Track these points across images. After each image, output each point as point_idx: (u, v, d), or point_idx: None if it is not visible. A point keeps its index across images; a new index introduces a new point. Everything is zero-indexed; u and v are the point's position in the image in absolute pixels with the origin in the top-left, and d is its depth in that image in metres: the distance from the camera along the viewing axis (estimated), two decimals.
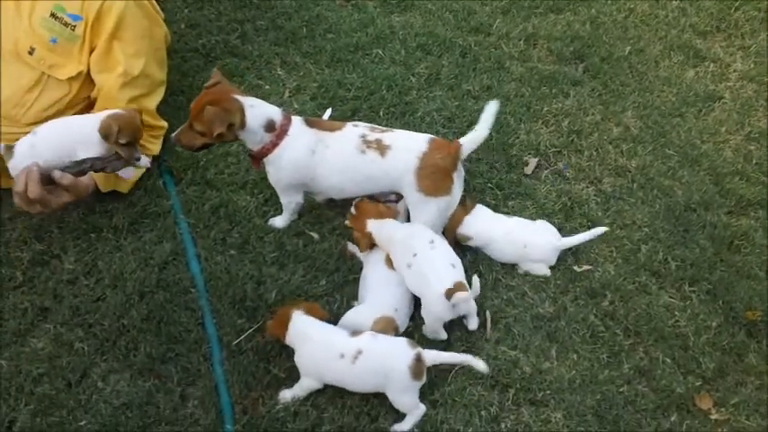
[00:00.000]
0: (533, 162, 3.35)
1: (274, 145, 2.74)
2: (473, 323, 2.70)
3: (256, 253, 2.91)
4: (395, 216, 2.83)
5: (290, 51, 3.86)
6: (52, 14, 2.95)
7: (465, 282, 2.62)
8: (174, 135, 2.75)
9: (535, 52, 3.98)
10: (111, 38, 2.99)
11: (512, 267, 2.94)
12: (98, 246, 2.90)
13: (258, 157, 2.79)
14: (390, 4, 4.24)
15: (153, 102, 3.14)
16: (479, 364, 2.46)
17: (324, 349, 2.47)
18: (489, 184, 3.22)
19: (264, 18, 4.04)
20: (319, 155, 2.77)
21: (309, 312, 2.54)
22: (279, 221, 3.00)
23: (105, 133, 2.67)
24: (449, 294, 2.53)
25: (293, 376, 2.54)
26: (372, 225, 2.78)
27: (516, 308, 2.81)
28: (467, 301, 2.60)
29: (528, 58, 3.94)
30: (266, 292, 2.78)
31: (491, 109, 2.76)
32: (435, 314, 2.61)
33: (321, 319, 2.55)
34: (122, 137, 2.67)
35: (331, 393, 2.51)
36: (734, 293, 2.90)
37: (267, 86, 3.66)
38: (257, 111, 2.71)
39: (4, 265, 2.83)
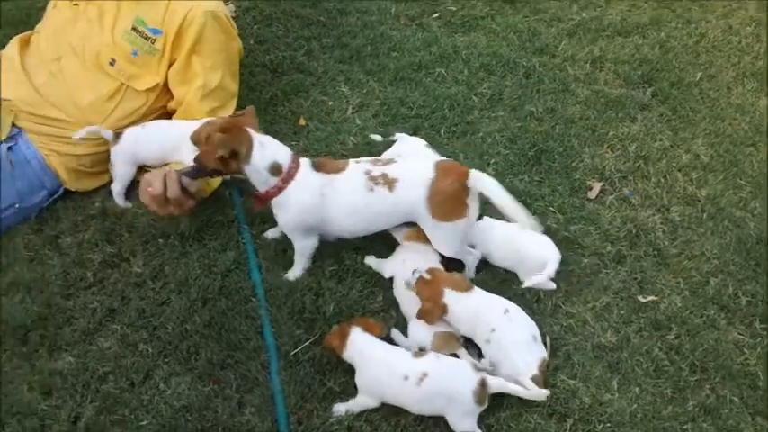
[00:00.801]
0: (597, 186, 3.30)
1: (280, 189, 2.69)
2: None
3: (316, 266, 2.91)
4: (470, 289, 2.70)
5: (355, 69, 3.89)
6: (134, 28, 3.07)
7: (546, 353, 2.58)
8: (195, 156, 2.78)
9: (601, 75, 3.95)
10: (190, 52, 3.09)
11: (573, 294, 2.88)
12: (165, 251, 2.94)
13: (264, 200, 2.74)
14: (454, 24, 4.26)
15: (227, 114, 3.17)
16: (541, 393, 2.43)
17: (388, 370, 2.44)
18: (551, 208, 3.18)
19: (330, 36, 4.09)
20: (328, 198, 2.71)
21: (368, 330, 2.53)
22: (292, 274, 2.92)
23: (195, 139, 2.76)
24: (536, 381, 2.49)
25: (348, 391, 2.53)
26: (450, 296, 2.64)
27: (576, 336, 2.75)
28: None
29: (594, 81, 3.90)
30: (324, 304, 2.78)
31: (526, 222, 2.69)
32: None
33: (379, 337, 2.54)
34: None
35: (386, 411, 2.49)
36: None
37: (331, 103, 3.68)
38: (265, 151, 2.66)
39: (76, 266, 2.89)
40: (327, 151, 3.07)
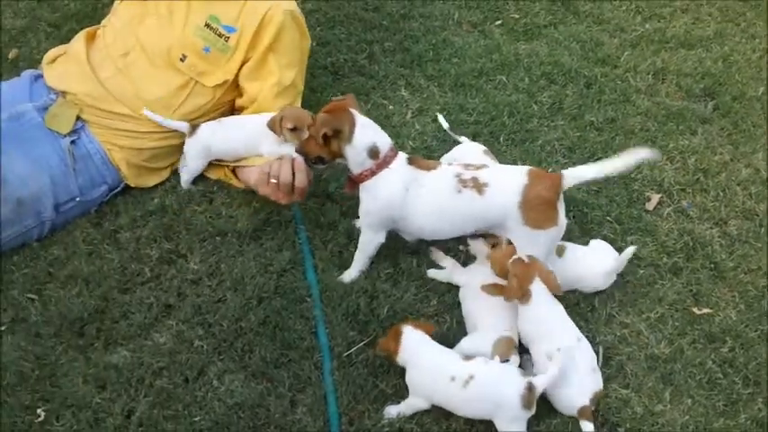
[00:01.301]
0: (656, 198, 3.28)
1: (373, 173, 2.72)
2: None
3: (371, 268, 2.94)
4: (560, 294, 2.68)
5: (415, 73, 3.92)
6: (207, 24, 3.12)
7: (602, 390, 2.57)
8: (299, 144, 2.85)
9: (663, 87, 3.92)
10: (267, 50, 3.15)
11: (628, 304, 2.88)
12: (222, 249, 2.99)
13: (356, 182, 2.78)
14: (517, 31, 4.26)
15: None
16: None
17: (435, 370, 2.47)
18: (608, 218, 3.17)
19: (392, 40, 4.13)
20: (412, 193, 2.72)
21: (420, 328, 2.55)
22: (348, 275, 2.94)
23: (271, 124, 2.90)
24: (581, 414, 2.48)
25: (400, 393, 2.56)
26: (537, 288, 2.61)
27: (630, 346, 2.75)
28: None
29: (655, 93, 3.88)
30: (378, 307, 2.81)
31: (634, 156, 2.68)
32: (560, 408, 2.55)
33: (430, 334, 2.55)
34: (287, 122, 2.87)
35: (437, 414, 2.51)
36: None
37: (391, 107, 3.71)
38: (367, 131, 2.72)
39: (134, 261, 2.94)
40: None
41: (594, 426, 2.48)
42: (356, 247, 2.97)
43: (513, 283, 2.60)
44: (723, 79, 3.96)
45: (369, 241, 2.87)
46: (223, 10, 3.14)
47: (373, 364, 2.64)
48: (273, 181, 2.86)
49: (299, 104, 3.28)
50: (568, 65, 4.00)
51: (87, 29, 3.33)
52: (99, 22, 3.36)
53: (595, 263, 2.88)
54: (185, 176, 3.19)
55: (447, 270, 2.94)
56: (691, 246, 3.08)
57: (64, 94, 3.11)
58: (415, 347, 2.51)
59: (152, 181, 3.22)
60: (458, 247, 3.03)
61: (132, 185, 3.19)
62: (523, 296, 2.60)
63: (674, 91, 3.90)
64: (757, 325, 2.83)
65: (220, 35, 3.13)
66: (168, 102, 3.12)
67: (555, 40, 4.21)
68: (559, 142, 3.53)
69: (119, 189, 3.17)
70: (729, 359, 2.72)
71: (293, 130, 2.88)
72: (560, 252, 2.86)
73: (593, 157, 3.43)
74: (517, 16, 4.38)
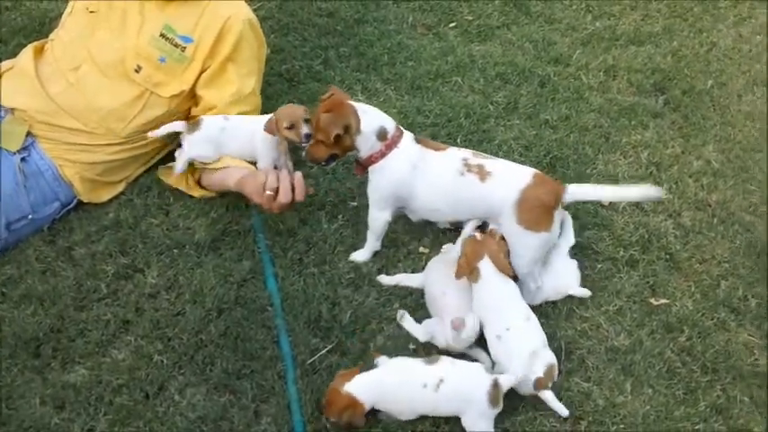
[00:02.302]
0: None
1: (382, 154, 2.78)
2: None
3: (332, 274, 2.94)
4: (509, 275, 2.72)
5: (372, 78, 3.92)
6: (162, 35, 3.10)
7: (555, 362, 2.58)
8: (304, 152, 2.88)
9: (615, 84, 3.97)
10: (227, 59, 3.15)
11: (587, 299, 2.90)
12: (180, 261, 2.97)
13: (365, 165, 2.83)
14: (471, 33, 4.29)
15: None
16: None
17: (406, 389, 2.47)
18: (570, 219, 3.20)
19: (347, 45, 4.13)
20: (420, 171, 2.78)
21: (351, 377, 2.48)
22: (361, 255, 3.00)
23: (268, 126, 2.92)
24: (538, 385, 2.51)
25: None
26: (485, 266, 2.68)
27: (590, 339, 2.78)
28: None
29: (607, 90, 3.93)
30: (341, 312, 2.81)
31: (642, 191, 2.79)
32: (517, 387, 2.56)
33: (357, 374, 2.49)
34: (282, 122, 2.88)
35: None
36: None
37: None
38: (371, 116, 2.77)
39: (89, 277, 2.90)
40: (345, 161, 3.11)
41: (557, 416, 2.53)
42: (316, 254, 3.00)
43: (462, 261, 2.66)
44: (673, 74, 4.02)
45: (376, 219, 2.92)
46: (179, 20, 3.13)
47: (337, 371, 2.62)
48: (269, 193, 2.83)
49: (259, 110, 3.30)
50: (522, 65, 4.03)
51: (35, 43, 3.29)
52: (47, 36, 3.32)
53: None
54: (180, 164, 3.09)
55: (399, 276, 2.96)
56: (646, 238, 3.12)
57: (12, 110, 3.06)
58: (371, 386, 2.46)
59: (106, 195, 3.18)
60: (418, 249, 3.05)
61: (86, 201, 3.14)
62: (471, 273, 2.65)
63: (626, 87, 3.95)
64: (713, 313, 2.88)
65: (176, 45, 3.11)
66: (123, 113, 3.08)
67: (508, 40, 4.24)
68: (516, 141, 3.56)
69: (72, 205, 3.12)
70: (687, 348, 2.77)
71: (290, 128, 2.89)
72: None
73: (548, 154, 3.47)
74: (470, 18, 4.40)
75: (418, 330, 2.72)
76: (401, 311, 2.77)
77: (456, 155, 2.80)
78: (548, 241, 2.77)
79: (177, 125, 3.08)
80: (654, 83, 3.96)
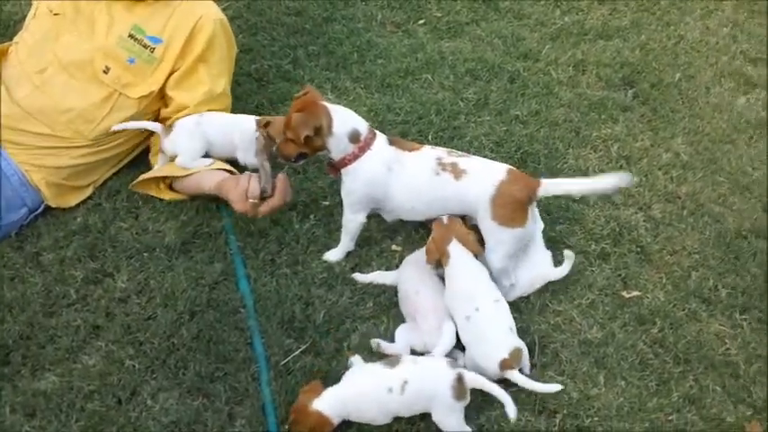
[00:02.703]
0: None
1: (355, 156, 2.77)
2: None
3: (305, 274, 2.93)
4: (478, 254, 2.75)
5: (341, 76, 3.91)
6: (131, 35, 3.08)
7: (523, 347, 2.59)
8: (275, 147, 2.86)
9: (584, 78, 3.99)
10: (198, 60, 3.14)
11: (560, 292, 2.91)
12: (150, 265, 2.94)
13: (338, 167, 2.82)
14: (440, 30, 4.28)
15: None
16: (511, 409, 2.41)
17: (372, 396, 2.45)
18: (537, 209, 3.20)
19: (316, 44, 4.11)
20: (395, 173, 2.78)
21: (315, 392, 2.45)
22: (334, 254, 2.99)
23: (257, 121, 2.96)
24: (503, 366, 2.51)
25: None
26: (455, 248, 2.71)
27: (564, 333, 2.79)
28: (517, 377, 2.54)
29: (577, 84, 3.95)
30: (314, 312, 2.80)
31: (611, 180, 2.75)
32: (482, 372, 2.55)
33: (322, 389, 2.47)
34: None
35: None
36: None
37: None
38: (344, 118, 2.76)
39: (58, 283, 2.87)
40: (315, 159, 3.10)
41: (532, 410, 2.55)
42: (288, 255, 2.98)
43: (431, 245, 2.69)
44: (641, 67, 4.05)
45: (350, 221, 2.92)
46: (148, 21, 3.11)
47: (311, 371, 2.62)
48: (252, 201, 2.83)
49: (229, 112, 3.28)
50: (492, 61, 4.04)
51: None
52: (11, 39, 3.28)
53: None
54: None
55: (374, 273, 2.95)
56: (617, 231, 3.14)
57: None
58: (339, 401, 2.44)
59: (74, 200, 3.14)
60: (390, 248, 3.04)
61: (54, 206, 3.10)
62: (442, 256, 2.67)
63: (595, 81, 3.97)
64: (684, 304, 2.91)
65: (145, 46, 3.09)
66: (91, 115, 3.05)
67: (477, 36, 4.25)
68: (487, 137, 3.57)
69: (39, 211, 3.07)
70: (659, 339, 2.79)
71: (266, 125, 2.92)
72: None
73: (519, 150, 3.48)
74: (440, 15, 4.40)
75: (398, 347, 2.69)
76: (375, 341, 2.72)
77: (430, 154, 2.80)
78: (522, 237, 2.78)
79: (150, 125, 3.10)
80: (622, 77, 3.99)
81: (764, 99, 3.89)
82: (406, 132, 3.54)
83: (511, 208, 2.71)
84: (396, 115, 3.66)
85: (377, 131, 2.84)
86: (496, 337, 2.57)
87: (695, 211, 3.26)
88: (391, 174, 2.79)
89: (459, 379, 2.41)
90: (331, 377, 2.58)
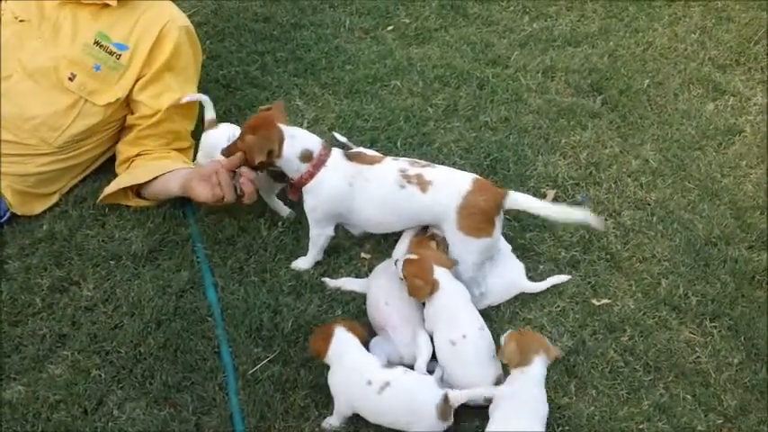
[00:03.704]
0: (551, 194, 3.33)
1: (311, 175, 2.74)
2: None
3: (273, 282, 2.90)
4: (452, 265, 2.72)
5: (309, 82, 3.89)
6: (96, 42, 3.05)
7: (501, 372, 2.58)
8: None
9: (553, 85, 3.99)
10: (164, 67, 3.13)
11: (530, 300, 2.91)
12: (117, 273, 2.90)
13: (297, 186, 2.80)
14: (408, 36, 4.27)
15: (192, 124, 3.29)
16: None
17: (353, 373, 2.45)
18: (506, 216, 3.16)
19: (284, 50, 4.08)
20: (358, 187, 2.76)
21: (351, 330, 2.53)
22: (303, 263, 2.96)
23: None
24: (488, 401, 2.49)
25: (309, 407, 2.54)
26: (441, 275, 2.64)
27: None
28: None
29: (546, 91, 3.95)
30: (283, 321, 2.77)
31: (580, 216, 2.75)
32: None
33: (360, 337, 2.54)
34: None
35: (346, 426, 2.50)
36: (756, 329, 2.86)
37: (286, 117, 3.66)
38: (296, 141, 2.73)
39: (23, 292, 2.82)
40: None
41: None
42: (256, 263, 2.96)
43: (416, 282, 2.61)
44: (610, 74, 4.06)
45: (318, 236, 2.90)
46: (113, 28, 3.09)
47: (280, 380, 2.60)
48: (220, 198, 2.81)
49: (195, 121, 3.28)
50: (461, 67, 4.04)
51: None
52: None
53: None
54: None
55: (343, 279, 2.94)
56: (587, 238, 3.14)
57: None
58: (342, 349, 2.49)
59: (39, 207, 3.10)
60: (360, 254, 3.02)
61: (19, 213, 3.05)
62: (433, 288, 2.62)
63: (564, 88, 3.98)
64: (654, 312, 2.91)
65: (111, 53, 3.07)
66: (56, 122, 3.01)
67: (446, 42, 4.24)
68: (456, 144, 3.56)
69: (5, 218, 3.03)
70: (630, 347, 2.79)
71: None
72: None
73: (488, 156, 3.47)
74: (408, 21, 4.39)
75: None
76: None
77: (392, 166, 2.78)
78: (490, 247, 2.77)
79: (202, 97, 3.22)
80: (591, 83, 4.00)
81: (733, 105, 3.92)
82: (375, 139, 3.53)
83: (476, 219, 2.70)
84: (364, 122, 3.64)
85: (333, 148, 2.81)
86: (481, 370, 2.55)
87: (665, 218, 3.27)
88: (353, 189, 2.77)
89: (446, 399, 2.38)
90: (300, 386, 2.57)
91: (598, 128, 3.72)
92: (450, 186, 2.72)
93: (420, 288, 2.61)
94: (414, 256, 2.67)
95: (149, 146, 3.17)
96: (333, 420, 2.50)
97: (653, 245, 3.16)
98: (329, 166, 2.75)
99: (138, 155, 3.17)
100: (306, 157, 2.73)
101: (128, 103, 3.17)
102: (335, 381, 2.49)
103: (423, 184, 2.72)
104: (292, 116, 3.65)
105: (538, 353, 2.48)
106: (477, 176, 2.79)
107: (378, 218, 2.83)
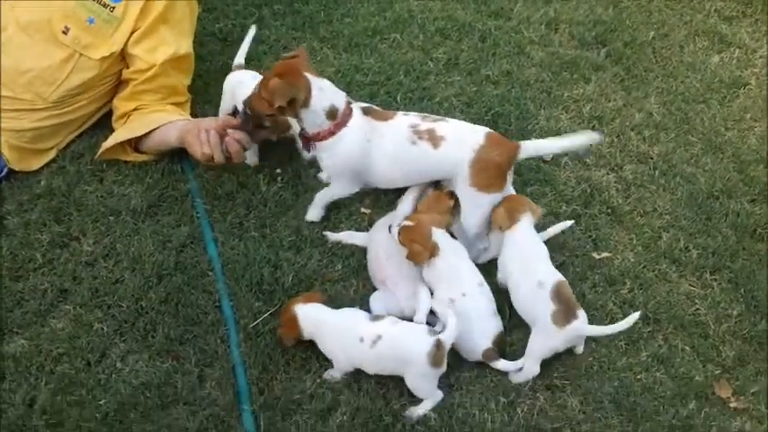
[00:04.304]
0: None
1: (331, 133, 2.71)
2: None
3: (273, 237, 2.90)
4: (451, 224, 2.73)
5: (308, 36, 3.84)
6: None
7: (503, 331, 2.60)
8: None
9: (556, 37, 3.94)
10: (159, 19, 3.08)
11: None
12: (116, 228, 2.90)
13: (311, 140, 2.77)
14: None
15: (189, 78, 3.25)
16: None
17: (343, 334, 2.47)
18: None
19: (282, 2, 4.02)
20: (374, 144, 2.74)
21: (309, 301, 2.55)
22: (313, 214, 2.96)
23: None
24: (486, 356, 2.53)
25: (310, 359, 2.56)
26: (439, 237, 2.65)
27: None
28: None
29: (549, 43, 3.90)
30: (283, 275, 2.77)
31: (585, 137, 2.74)
32: (465, 354, 2.58)
33: (320, 301, 2.56)
34: None
35: (347, 377, 2.52)
36: (756, 282, 2.87)
37: None
38: (325, 94, 2.68)
39: (24, 247, 2.83)
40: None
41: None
42: (256, 218, 2.97)
43: (416, 248, 2.61)
44: (614, 26, 4.01)
45: (341, 191, 2.91)
46: None
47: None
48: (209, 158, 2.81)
49: (192, 73, 3.25)
50: (462, 19, 3.98)
51: None
52: None
53: None
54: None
55: (344, 233, 2.93)
56: (588, 192, 3.13)
57: None
58: (314, 319, 2.51)
59: (37, 163, 3.09)
60: (360, 210, 3.02)
61: (17, 169, 3.05)
62: (433, 251, 2.62)
63: (567, 40, 3.93)
64: (654, 265, 2.91)
65: (105, 5, 3.03)
66: (51, 76, 2.99)
67: None
68: (457, 98, 3.53)
69: (3, 174, 3.02)
70: (629, 300, 2.80)
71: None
72: None
73: (490, 111, 3.44)
74: None
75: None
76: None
77: (403, 122, 2.75)
78: (499, 198, 2.76)
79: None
80: (595, 35, 3.95)
81: (738, 58, 3.88)
82: (375, 94, 3.49)
83: (490, 173, 2.68)
84: (364, 76, 3.60)
85: (353, 105, 2.77)
86: (481, 325, 2.57)
87: (667, 171, 3.26)
88: (371, 145, 2.75)
89: (439, 345, 2.39)
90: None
91: (602, 81, 3.68)
92: (462, 141, 2.69)
93: (419, 254, 2.61)
94: (410, 223, 2.66)
95: (145, 100, 3.14)
96: (334, 372, 2.52)
97: (654, 198, 3.15)
98: (350, 126, 2.72)
99: (134, 110, 3.14)
100: (331, 113, 2.69)
101: (123, 57, 3.14)
102: (328, 348, 2.51)
103: (435, 140, 2.70)
104: None
105: (524, 212, 2.63)
106: (490, 130, 2.76)
107: (390, 174, 2.82)
